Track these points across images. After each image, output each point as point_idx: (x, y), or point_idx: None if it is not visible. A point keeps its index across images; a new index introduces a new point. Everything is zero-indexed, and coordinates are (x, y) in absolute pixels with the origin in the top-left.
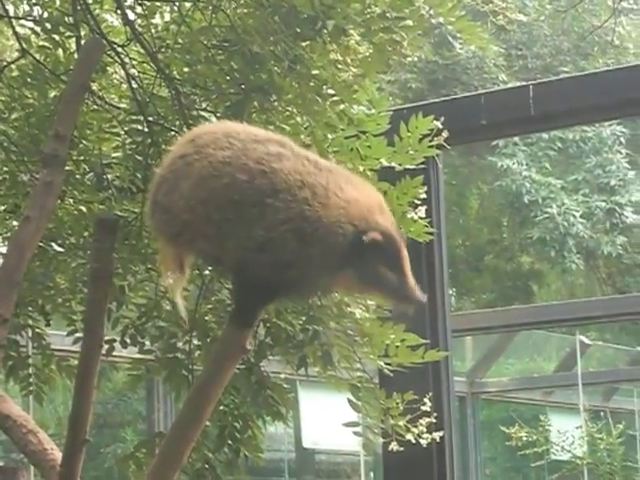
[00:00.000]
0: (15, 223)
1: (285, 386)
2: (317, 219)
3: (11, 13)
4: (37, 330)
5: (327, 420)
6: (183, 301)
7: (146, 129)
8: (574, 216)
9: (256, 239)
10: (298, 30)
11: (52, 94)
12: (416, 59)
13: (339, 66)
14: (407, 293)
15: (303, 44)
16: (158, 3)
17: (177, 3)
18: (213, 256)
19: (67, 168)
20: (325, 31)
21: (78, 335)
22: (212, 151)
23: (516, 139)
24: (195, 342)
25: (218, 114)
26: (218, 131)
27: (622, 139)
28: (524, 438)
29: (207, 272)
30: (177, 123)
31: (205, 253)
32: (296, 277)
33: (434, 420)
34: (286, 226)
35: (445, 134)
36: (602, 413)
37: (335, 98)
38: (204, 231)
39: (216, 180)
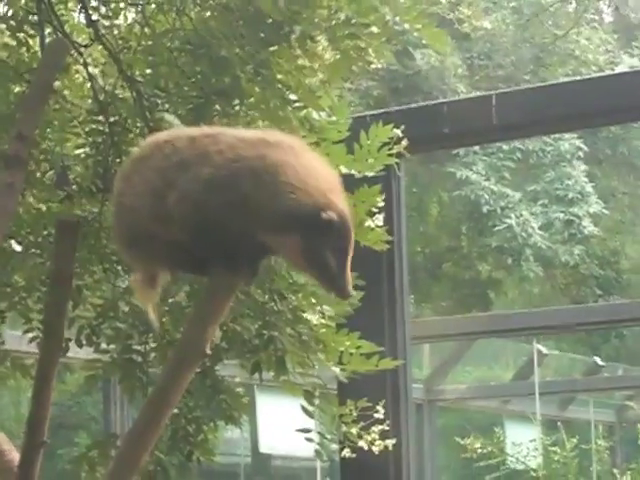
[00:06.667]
0: None
1: (239, 390)
2: (274, 164)
3: None
4: None
5: (284, 425)
6: (155, 315)
7: (107, 130)
8: (532, 227)
9: (203, 177)
10: (264, 35)
11: (15, 90)
12: (379, 66)
13: (304, 72)
14: (341, 284)
15: (270, 49)
16: (122, 4)
17: (141, 5)
18: (185, 261)
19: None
20: (292, 36)
21: (34, 335)
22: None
23: (476, 148)
24: (151, 344)
25: (180, 117)
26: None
27: (580, 153)
28: (479, 450)
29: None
30: (138, 125)
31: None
32: (248, 220)
33: (387, 427)
34: (239, 164)
35: (405, 142)
36: (558, 423)
37: (298, 104)
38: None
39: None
